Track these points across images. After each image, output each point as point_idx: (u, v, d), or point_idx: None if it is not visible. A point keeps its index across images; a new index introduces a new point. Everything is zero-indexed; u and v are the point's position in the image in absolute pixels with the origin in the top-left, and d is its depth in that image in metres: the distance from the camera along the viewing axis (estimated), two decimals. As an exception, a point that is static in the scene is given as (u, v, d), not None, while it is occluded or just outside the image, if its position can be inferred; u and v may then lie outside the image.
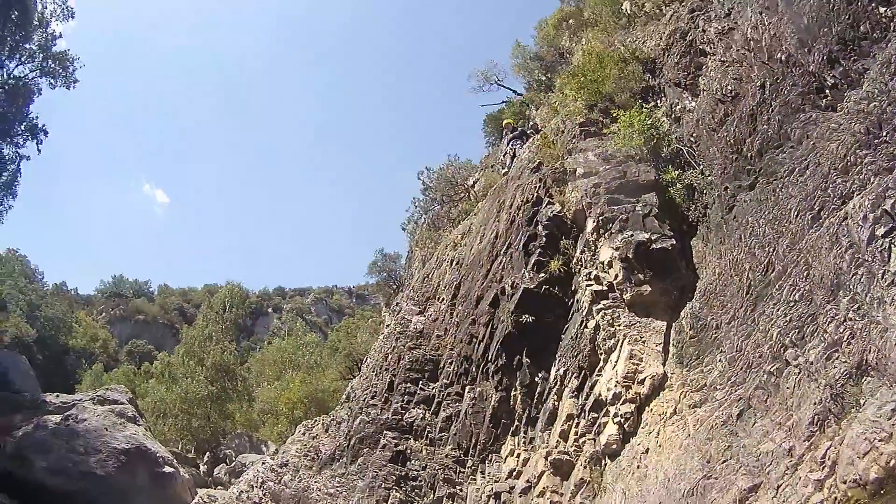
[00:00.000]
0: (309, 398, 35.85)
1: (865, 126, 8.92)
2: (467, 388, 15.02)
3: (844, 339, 7.85)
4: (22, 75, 30.27)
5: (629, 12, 17.97)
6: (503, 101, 32.55)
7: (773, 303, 9.32)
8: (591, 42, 18.14)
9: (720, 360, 9.92)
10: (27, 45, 30.04)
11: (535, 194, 15.27)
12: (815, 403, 7.69)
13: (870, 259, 8.00)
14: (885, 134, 8.63)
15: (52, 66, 30.84)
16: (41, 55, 30.54)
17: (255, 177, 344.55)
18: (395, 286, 34.33)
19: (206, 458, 36.66)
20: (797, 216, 9.63)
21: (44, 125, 31.11)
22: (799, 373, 8.27)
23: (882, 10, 9.27)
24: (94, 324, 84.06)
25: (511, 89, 32.07)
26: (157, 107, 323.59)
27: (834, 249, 8.62)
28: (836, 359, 7.80)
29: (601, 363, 12.01)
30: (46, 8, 30.10)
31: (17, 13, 28.31)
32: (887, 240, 7.88)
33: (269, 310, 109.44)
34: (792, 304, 8.97)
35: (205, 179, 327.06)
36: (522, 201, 15.60)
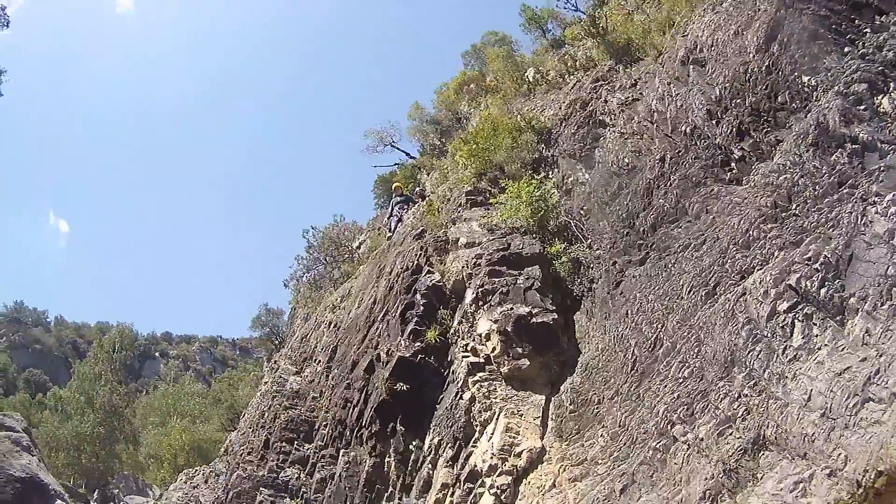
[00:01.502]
0: (191, 446, 36.92)
1: (773, 199, 8.93)
2: (342, 452, 14.79)
3: (739, 414, 7.57)
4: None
5: (532, 80, 18.33)
6: (395, 164, 33.27)
7: (661, 379, 9.01)
8: (490, 108, 18.33)
9: (602, 435, 9.53)
10: None
11: (416, 262, 15.28)
12: (706, 479, 7.31)
13: (769, 335, 7.85)
14: (794, 207, 8.63)
15: None
16: None
17: (155, 218, 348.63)
18: (277, 342, 34.88)
19: (95, 496, 37.01)
20: (690, 292, 9.46)
21: None
22: (688, 449, 7.91)
23: (805, 79, 9.44)
24: None
25: (405, 152, 32.85)
26: (72, 136, 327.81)
27: (729, 326, 8.46)
28: (730, 434, 7.50)
29: (477, 434, 11.59)
30: None
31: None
32: (790, 315, 7.76)
33: (157, 354, 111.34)
34: (681, 380, 8.67)
35: (108, 214, 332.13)
36: (402, 268, 15.59)
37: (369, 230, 29.50)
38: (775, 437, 7.05)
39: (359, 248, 27.66)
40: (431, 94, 33.33)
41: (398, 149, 32.51)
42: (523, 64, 20.58)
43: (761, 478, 6.89)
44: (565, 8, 18.80)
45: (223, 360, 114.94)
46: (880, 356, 6.61)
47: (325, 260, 29.04)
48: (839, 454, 6.36)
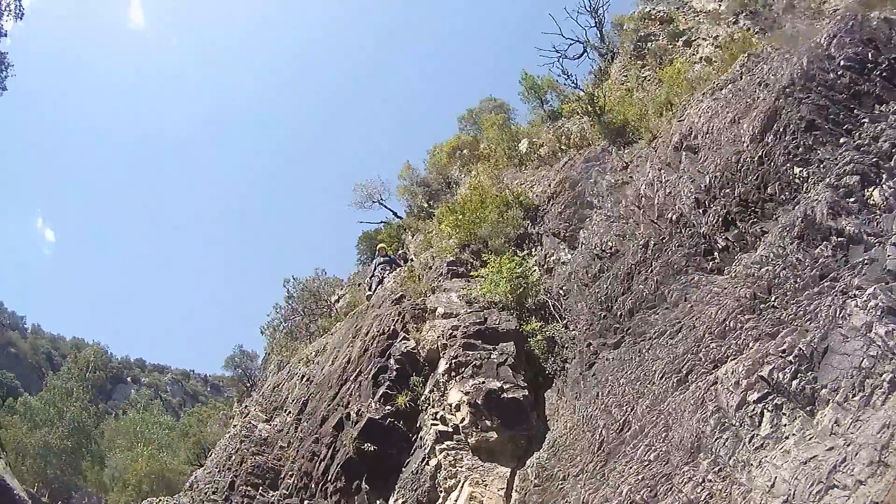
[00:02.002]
0: (157, 475, 36.49)
1: (753, 291, 9.06)
2: (306, 503, 14.70)
3: (702, 498, 7.51)
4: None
5: (525, 151, 18.69)
6: (382, 222, 33.23)
7: (626, 460, 8.95)
8: (480, 176, 18.63)
9: (565, 512, 9.43)
10: None
11: (393, 327, 15.47)
12: (662, 560, 7.22)
13: (737, 424, 7.87)
14: (773, 299, 8.76)
15: None
16: None
17: (142, 241, 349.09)
18: (249, 384, 34.96)
19: (57, 507, 38.06)
20: (662, 378, 9.51)
21: None
22: (647, 530, 7.84)
23: (797, 170, 9.64)
24: None
25: (392, 210, 32.81)
26: (70, 145, 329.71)
27: (698, 413, 8.47)
28: (690, 518, 7.45)
29: (441, 500, 11.61)
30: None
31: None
32: (760, 405, 7.80)
33: (129, 379, 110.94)
34: (646, 463, 8.60)
35: (96, 229, 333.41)
36: (379, 332, 15.79)
37: (350, 285, 29.81)
38: None
39: (337, 302, 27.79)
40: (424, 154, 33.76)
41: (385, 206, 32.70)
42: (518, 133, 21.01)
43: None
44: (564, 84, 19.39)
45: (194, 395, 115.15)
46: (848, 445, 6.63)
47: (303, 312, 29.15)
48: (799, 542, 6.34)
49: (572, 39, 21.99)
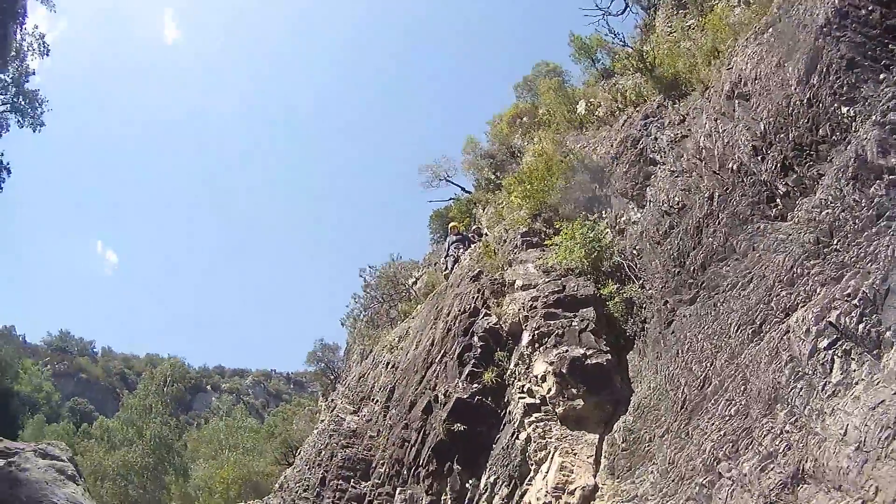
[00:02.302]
0: (243, 479, 37.20)
1: (815, 235, 9.21)
2: (398, 490, 15.44)
3: (780, 450, 7.85)
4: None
5: (584, 113, 18.88)
6: (451, 199, 33.72)
7: (708, 417, 9.35)
8: (543, 142, 18.93)
9: (652, 472, 9.98)
10: (1, 76, 30.37)
11: (473, 305, 15.96)
12: (747, 514, 7.66)
13: (810, 372, 8.11)
14: (836, 242, 8.90)
15: (23, 103, 31.26)
16: (13, 89, 30.96)
17: (206, 250, 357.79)
18: (332, 377, 36.26)
19: (140, 526, 38.87)
20: (737, 331, 9.80)
21: (8, 163, 31.89)
22: (732, 485, 8.24)
23: (845, 109, 9.60)
24: (39, 374, 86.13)
25: (460, 186, 33.33)
26: (120, 165, 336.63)
27: (773, 364, 8.75)
28: (772, 470, 7.79)
29: (532, 473, 12.18)
30: (24, 40, 30.50)
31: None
32: (830, 352, 8.00)
33: (208, 387, 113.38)
34: (727, 418, 8.98)
35: (158, 245, 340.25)
36: (460, 311, 16.29)
37: (426, 266, 30.67)
38: (813, 471, 7.31)
39: (415, 284, 28.60)
40: (485, 127, 33.89)
41: (453, 183, 33.16)
42: (574, 96, 21.06)
43: (800, 511, 7.16)
44: (612, 43, 19.38)
45: (276, 394, 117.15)
46: (913, 387, 6.90)
47: (382, 298, 30.00)
48: (871, 485, 6.61)
49: (614, -6, 21.85)
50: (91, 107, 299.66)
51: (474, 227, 25.06)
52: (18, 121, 31.62)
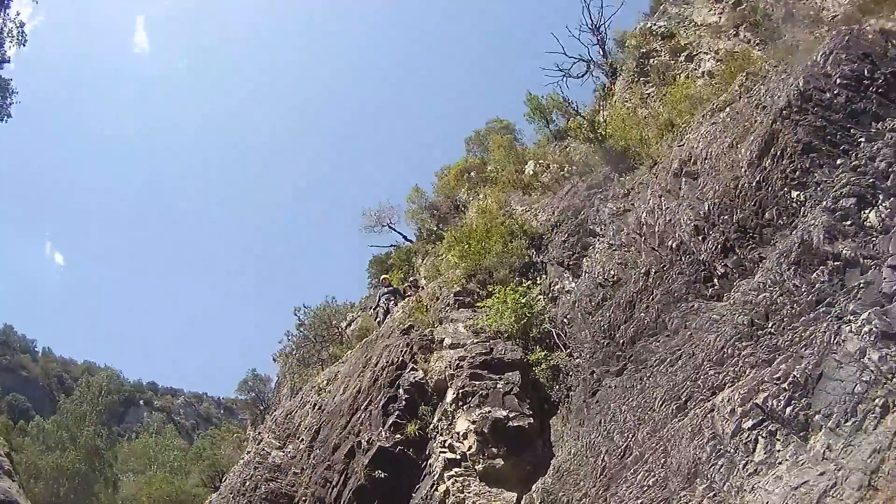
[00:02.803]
0: (170, 497, 37.07)
1: (750, 318, 9.44)
2: None
3: (696, 524, 7.92)
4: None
5: (531, 174, 19.18)
6: (392, 245, 34.16)
7: (627, 486, 9.41)
8: (487, 200, 19.17)
9: (569, 537, 9.90)
10: None
11: (401, 358, 16.15)
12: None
13: (732, 450, 8.28)
14: (770, 325, 9.13)
15: None
16: None
17: (151, 264, 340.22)
18: (262, 407, 36.80)
19: (69, 531, 38.77)
20: (662, 405, 9.92)
21: None
22: (645, 555, 8.22)
23: (795, 194, 9.96)
24: None
25: (402, 234, 33.66)
26: (75, 169, 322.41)
27: (695, 440, 8.89)
28: (685, 543, 7.81)
29: None
30: (5, 26, 29.72)
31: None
32: (755, 432, 8.20)
33: (141, 402, 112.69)
34: (646, 488, 9.05)
35: (105, 253, 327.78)
36: (388, 362, 16.46)
37: (361, 308, 30.82)
38: None
39: (348, 327, 28.75)
40: (431, 178, 34.48)
41: (395, 230, 33.65)
42: (524, 155, 21.67)
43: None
44: (568, 106, 19.83)
45: (207, 417, 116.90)
46: (839, 470, 7.01)
47: (315, 339, 29.99)
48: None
49: (575, 58, 22.41)
50: (58, 103, 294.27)
51: (412, 278, 25.35)
52: (-15, 107, 30.64)
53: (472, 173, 28.50)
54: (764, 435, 8.09)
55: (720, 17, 18.44)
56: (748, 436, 8.25)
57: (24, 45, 30.77)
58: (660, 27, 20.37)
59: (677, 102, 14.30)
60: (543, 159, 19.82)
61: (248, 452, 21.17)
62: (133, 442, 60.58)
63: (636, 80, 19.52)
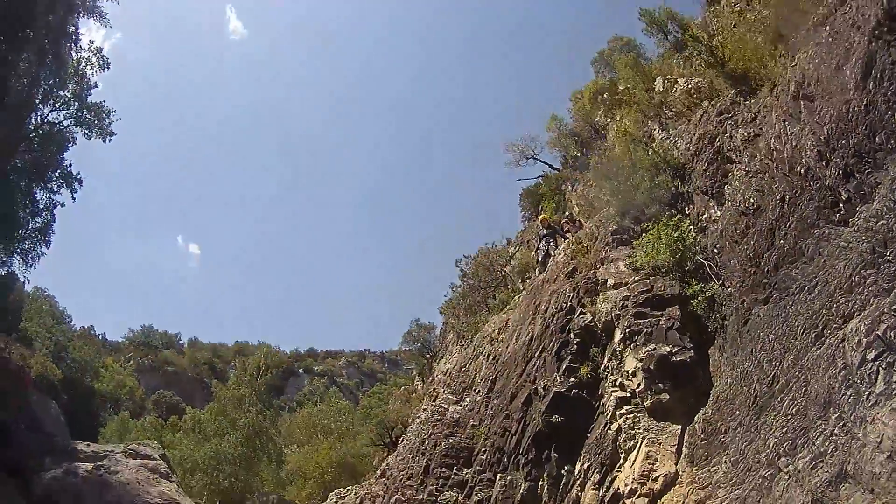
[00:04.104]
0: (339, 463, 38.98)
1: (871, 245, 10.05)
2: (499, 476, 17.39)
3: (829, 451, 9.17)
4: (56, 121, 32.85)
5: (662, 90, 19.92)
6: (539, 176, 35.47)
7: (775, 414, 10.69)
8: (625, 121, 20.18)
9: (725, 462, 11.54)
10: (61, 93, 32.57)
11: (569, 303, 17.79)
12: (799, 506, 9.08)
13: (858, 381, 9.20)
14: (889, 253, 9.76)
15: (88, 116, 33.49)
16: (76, 104, 33.23)
17: (290, 236, 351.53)
18: (428, 356, 39.18)
19: (231, 514, 39.90)
20: (803, 333, 10.93)
21: (78, 173, 33.75)
22: (788, 479, 9.67)
23: None
24: (121, 370, 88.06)
25: (548, 163, 35.00)
26: (195, 160, 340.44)
27: (830, 369, 9.87)
28: (821, 468, 9.16)
29: (621, 461, 14.13)
30: (82, 57, 32.84)
31: (51, 58, 30.42)
32: (876, 363, 9.07)
33: (301, 370, 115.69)
34: (789, 416, 10.29)
35: (239, 234, 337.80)
36: (557, 308, 18.13)
37: (519, 243, 32.88)
38: (853, 473, 8.62)
39: (510, 261, 30.83)
40: (565, 102, 34.87)
41: (540, 160, 34.76)
42: (651, 72, 21.81)
43: (841, 507, 8.52)
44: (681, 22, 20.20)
45: (371, 374, 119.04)
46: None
47: (479, 286, 31.95)
48: (897, 493, 7.97)
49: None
50: (159, 109, 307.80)
51: (567, 214, 26.46)
52: (86, 133, 33.78)
53: (604, 95, 28.80)
54: (884, 366, 8.92)
55: None
56: (871, 367, 9.07)
57: (107, 69, 33.92)
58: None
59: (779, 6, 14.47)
60: (670, 74, 20.25)
61: (424, 410, 23.21)
62: (295, 412, 63.81)
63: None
